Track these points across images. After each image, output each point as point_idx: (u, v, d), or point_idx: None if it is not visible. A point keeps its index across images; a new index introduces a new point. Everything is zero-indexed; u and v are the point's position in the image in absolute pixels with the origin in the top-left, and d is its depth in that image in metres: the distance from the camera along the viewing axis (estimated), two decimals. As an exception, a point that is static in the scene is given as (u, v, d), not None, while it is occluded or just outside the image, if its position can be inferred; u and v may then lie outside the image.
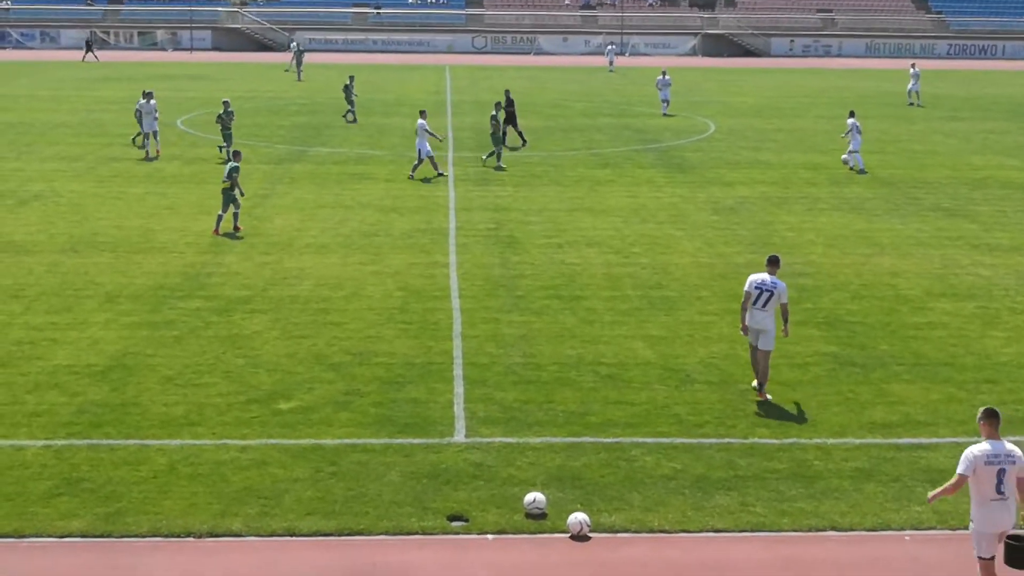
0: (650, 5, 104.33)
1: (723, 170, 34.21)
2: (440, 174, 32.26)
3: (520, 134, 39.25)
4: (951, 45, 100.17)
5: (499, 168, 33.79)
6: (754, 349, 15.24)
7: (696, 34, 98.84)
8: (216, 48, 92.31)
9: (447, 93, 59.15)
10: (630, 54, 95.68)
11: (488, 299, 19.89)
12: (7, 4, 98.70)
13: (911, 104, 55.30)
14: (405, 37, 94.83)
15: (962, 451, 13.46)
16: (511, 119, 38.58)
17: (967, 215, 27.89)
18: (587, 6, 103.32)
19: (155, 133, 35.45)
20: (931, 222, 26.99)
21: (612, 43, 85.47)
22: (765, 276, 15.06)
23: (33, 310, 18.85)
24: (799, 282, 21.20)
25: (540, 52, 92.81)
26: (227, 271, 21.49)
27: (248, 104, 52.01)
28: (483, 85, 64.23)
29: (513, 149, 37.52)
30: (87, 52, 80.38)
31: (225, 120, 34.89)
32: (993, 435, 10.07)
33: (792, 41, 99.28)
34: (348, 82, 46.24)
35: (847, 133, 35.03)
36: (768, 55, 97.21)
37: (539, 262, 22.57)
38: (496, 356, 16.80)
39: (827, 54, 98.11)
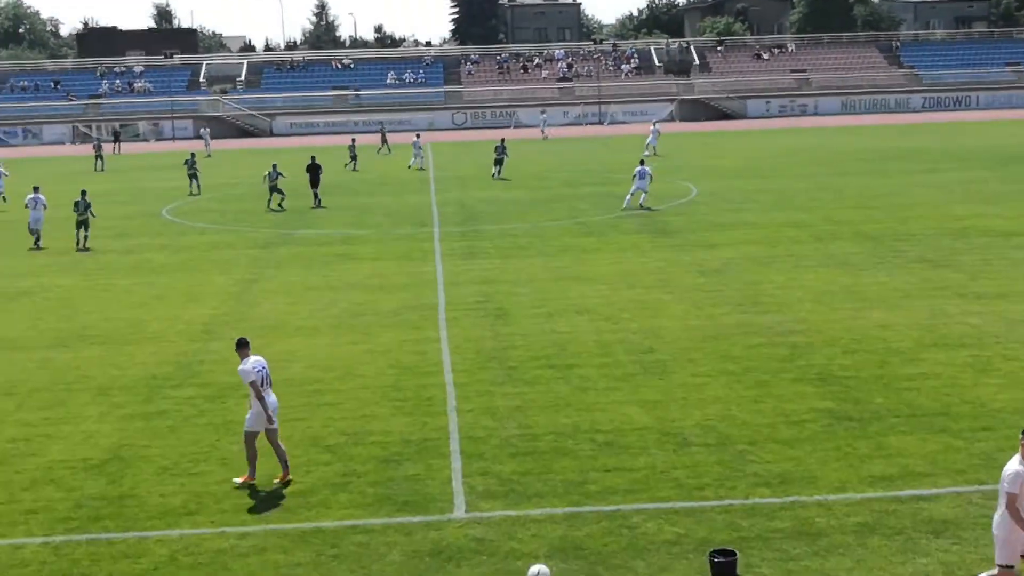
0: (626, 74, 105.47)
1: (707, 232, 34.41)
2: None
3: (316, 196, 45.17)
4: (925, 98, 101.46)
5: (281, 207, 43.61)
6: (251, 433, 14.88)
7: (673, 100, 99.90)
8: (198, 136, 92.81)
9: (430, 170, 59.51)
10: (609, 123, 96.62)
11: (481, 372, 19.88)
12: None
13: (647, 155, 58.53)
14: (385, 117, 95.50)
15: (962, 500, 13.57)
16: (315, 181, 45.21)
17: (952, 265, 28.04)
18: (564, 78, 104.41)
19: (37, 230, 36.70)
20: (917, 273, 27.13)
21: (544, 111, 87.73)
22: (256, 359, 14.93)
23: (26, 407, 18.77)
24: (790, 339, 21.26)
25: (519, 125, 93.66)
26: (218, 357, 21.43)
27: (233, 191, 52.34)
28: (465, 160, 64.71)
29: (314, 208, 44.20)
30: (115, 143, 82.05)
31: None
32: None
33: (768, 102, 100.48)
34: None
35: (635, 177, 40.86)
36: (745, 117, 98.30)
37: (529, 332, 22.59)
38: (492, 429, 16.75)
39: (803, 113, 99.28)
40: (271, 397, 14.95)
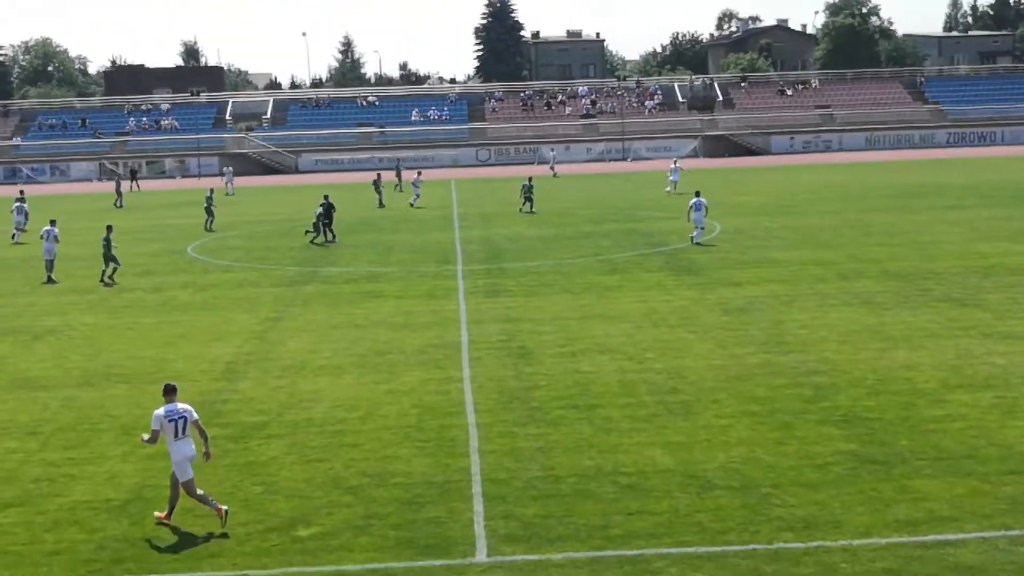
0: (650, 110, 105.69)
1: (731, 270, 34.33)
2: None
3: (332, 231, 46.27)
4: (950, 134, 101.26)
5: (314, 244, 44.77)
6: (187, 482, 14.84)
7: (696, 136, 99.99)
8: (223, 174, 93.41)
9: (454, 207, 59.69)
10: (632, 159, 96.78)
11: (503, 412, 19.85)
12: (17, 140, 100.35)
13: (668, 192, 62.26)
14: (410, 154, 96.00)
15: (989, 545, 13.40)
16: (328, 218, 46.14)
17: (978, 304, 27.87)
18: (587, 115, 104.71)
19: (51, 262, 37.71)
20: (942, 312, 26.97)
21: (552, 148, 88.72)
22: (171, 406, 14.89)
23: (50, 446, 18.84)
24: (814, 380, 21.14)
25: (543, 161, 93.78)
26: (242, 397, 21.49)
27: (259, 228, 52.59)
28: (488, 197, 64.89)
29: (328, 242, 45.45)
30: (132, 181, 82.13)
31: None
32: None
33: (792, 138, 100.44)
34: (209, 194, 52.77)
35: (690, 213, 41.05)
36: (769, 153, 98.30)
37: (553, 372, 22.54)
38: (514, 471, 16.70)
39: (828, 149, 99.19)
40: (186, 446, 14.88)
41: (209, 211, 52.45)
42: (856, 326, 25.80)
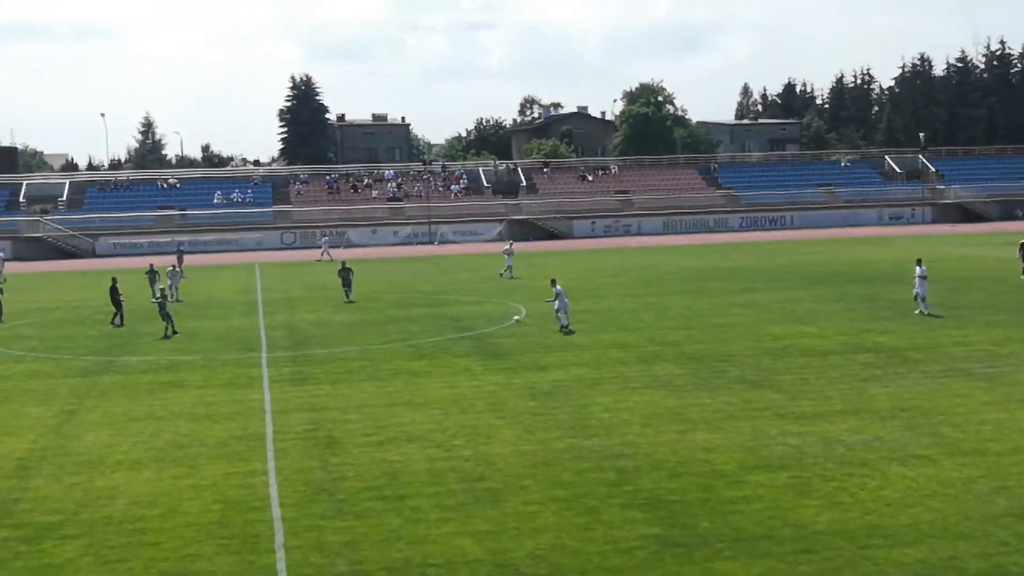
0: (455, 194, 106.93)
1: (537, 354, 34.80)
2: None
3: (117, 316, 45.49)
4: (743, 218, 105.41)
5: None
6: None
7: (502, 220, 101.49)
8: (17, 258, 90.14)
9: (257, 291, 58.87)
10: (439, 242, 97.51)
11: (310, 505, 19.56)
12: None
13: (503, 275, 61.96)
14: (213, 237, 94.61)
15: (787, 626, 13.83)
16: (116, 303, 45.50)
17: (772, 385, 28.93)
18: (394, 198, 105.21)
19: None
20: (738, 394, 27.89)
21: (326, 236, 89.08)
22: None
23: None
24: (618, 464, 21.54)
25: (350, 245, 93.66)
26: (35, 495, 20.60)
27: (52, 315, 50.77)
28: (294, 281, 64.26)
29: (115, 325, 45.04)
30: None
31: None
32: None
33: (593, 222, 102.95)
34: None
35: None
36: (572, 237, 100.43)
37: (360, 462, 22.37)
38: (321, 566, 16.45)
39: (627, 233, 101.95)
40: None
41: None
42: (657, 408, 26.45)
